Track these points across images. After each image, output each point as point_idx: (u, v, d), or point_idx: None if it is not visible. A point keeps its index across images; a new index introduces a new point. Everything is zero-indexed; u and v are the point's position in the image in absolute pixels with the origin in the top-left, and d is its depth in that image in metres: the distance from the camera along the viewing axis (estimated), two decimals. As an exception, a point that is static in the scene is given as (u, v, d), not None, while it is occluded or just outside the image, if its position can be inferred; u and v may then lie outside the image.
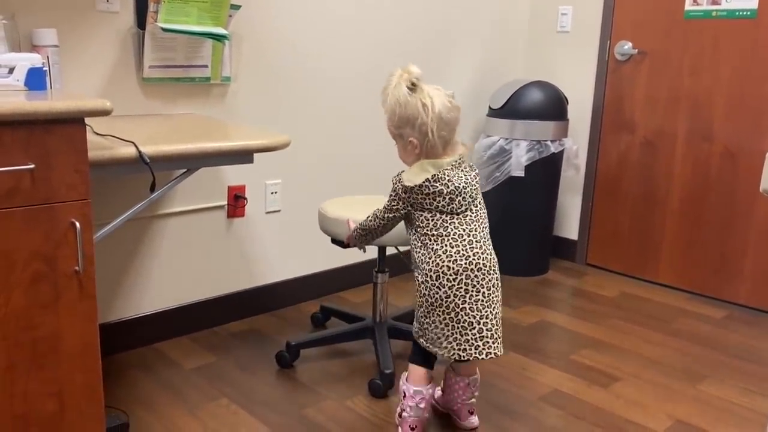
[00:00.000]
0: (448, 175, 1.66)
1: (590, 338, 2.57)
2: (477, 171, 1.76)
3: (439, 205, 1.66)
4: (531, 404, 2.06)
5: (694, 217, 3.05)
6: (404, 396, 1.78)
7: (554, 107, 3.10)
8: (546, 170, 3.13)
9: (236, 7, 2.26)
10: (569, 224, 3.49)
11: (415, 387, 1.76)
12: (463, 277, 1.65)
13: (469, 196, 1.69)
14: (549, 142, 3.07)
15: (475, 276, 1.65)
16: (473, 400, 1.91)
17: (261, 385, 2.13)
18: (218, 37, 2.19)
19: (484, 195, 3.24)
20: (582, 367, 2.33)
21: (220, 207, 2.48)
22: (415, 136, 1.67)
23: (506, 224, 3.23)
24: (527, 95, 3.09)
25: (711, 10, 2.89)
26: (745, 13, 2.80)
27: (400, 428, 1.81)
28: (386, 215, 1.77)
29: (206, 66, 2.28)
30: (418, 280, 1.72)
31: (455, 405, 1.91)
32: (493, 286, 1.69)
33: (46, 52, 1.80)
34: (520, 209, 3.18)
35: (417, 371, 1.78)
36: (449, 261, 1.65)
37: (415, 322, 1.78)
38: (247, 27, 2.39)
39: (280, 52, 2.52)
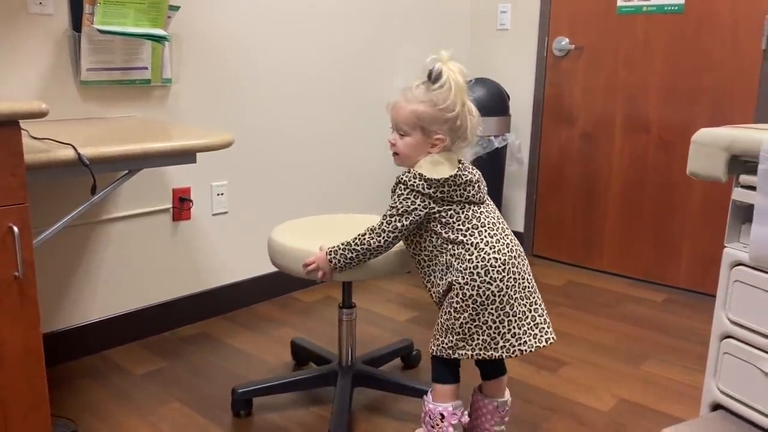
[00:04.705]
0: (465, 164, 1.61)
1: (538, 326, 2.63)
2: None
3: (470, 194, 1.56)
4: (482, 392, 2.10)
5: (634, 205, 3.16)
6: (441, 418, 1.62)
7: (496, 103, 3.16)
8: (490, 165, 3.19)
9: (175, 8, 2.24)
10: (515, 217, 3.57)
11: (453, 403, 1.64)
12: (510, 266, 1.55)
13: (483, 185, 1.62)
14: (492, 138, 3.13)
15: (519, 263, 1.58)
16: (503, 427, 1.75)
17: (214, 388, 2.11)
18: (157, 38, 2.17)
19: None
20: (531, 353, 2.37)
21: (165, 210, 2.45)
22: (448, 135, 1.59)
23: (454, 219, 3.27)
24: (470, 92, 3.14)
25: (641, 5, 3.00)
26: (672, 8, 2.91)
27: None
28: (399, 223, 1.56)
29: (146, 68, 2.26)
30: (455, 287, 1.55)
31: (482, 431, 1.76)
32: (530, 272, 1.62)
33: (-22, 56, 1.76)
34: (467, 204, 3.23)
35: (447, 388, 1.65)
36: (494, 252, 1.53)
37: (446, 337, 1.60)
38: (187, 27, 2.37)
39: (223, 52, 2.51)
